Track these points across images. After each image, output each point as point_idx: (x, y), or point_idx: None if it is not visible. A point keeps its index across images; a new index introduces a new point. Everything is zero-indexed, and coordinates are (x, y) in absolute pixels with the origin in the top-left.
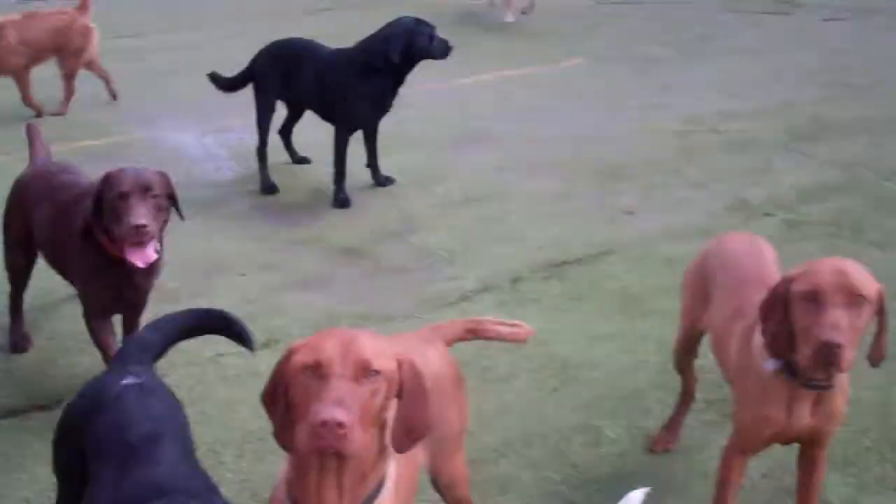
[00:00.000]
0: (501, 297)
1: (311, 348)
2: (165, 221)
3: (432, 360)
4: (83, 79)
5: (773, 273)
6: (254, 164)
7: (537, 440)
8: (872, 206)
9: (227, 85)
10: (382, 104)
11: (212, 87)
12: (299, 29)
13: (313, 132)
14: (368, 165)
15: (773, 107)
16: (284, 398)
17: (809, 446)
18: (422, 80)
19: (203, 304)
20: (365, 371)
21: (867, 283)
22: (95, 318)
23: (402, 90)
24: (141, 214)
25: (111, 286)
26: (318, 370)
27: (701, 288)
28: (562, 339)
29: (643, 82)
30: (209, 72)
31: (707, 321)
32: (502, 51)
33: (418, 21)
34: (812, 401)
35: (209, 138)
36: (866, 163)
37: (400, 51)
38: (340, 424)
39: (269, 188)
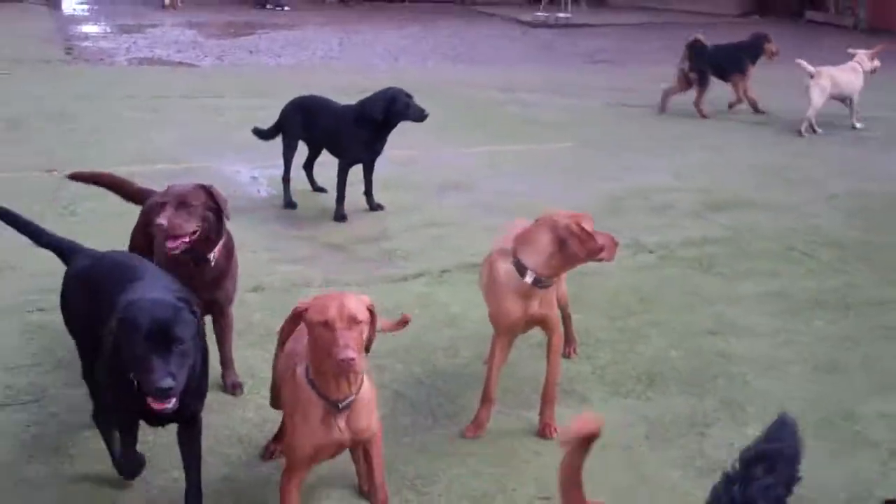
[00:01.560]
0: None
1: (319, 310)
2: (206, 227)
3: None
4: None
5: None
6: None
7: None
8: None
9: (266, 135)
10: (373, 147)
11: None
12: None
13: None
14: (364, 193)
15: None
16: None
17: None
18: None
19: None
20: (355, 322)
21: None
22: None
23: (396, 153)
24: (165, 217)
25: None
26: (327, 325)
27: None
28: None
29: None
30: (253, 127)
31: None
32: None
33: (399, 91)
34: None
35: (257, 171)
36: None
37: (380, 111)
38: (353, 359)
39: (289, 204)
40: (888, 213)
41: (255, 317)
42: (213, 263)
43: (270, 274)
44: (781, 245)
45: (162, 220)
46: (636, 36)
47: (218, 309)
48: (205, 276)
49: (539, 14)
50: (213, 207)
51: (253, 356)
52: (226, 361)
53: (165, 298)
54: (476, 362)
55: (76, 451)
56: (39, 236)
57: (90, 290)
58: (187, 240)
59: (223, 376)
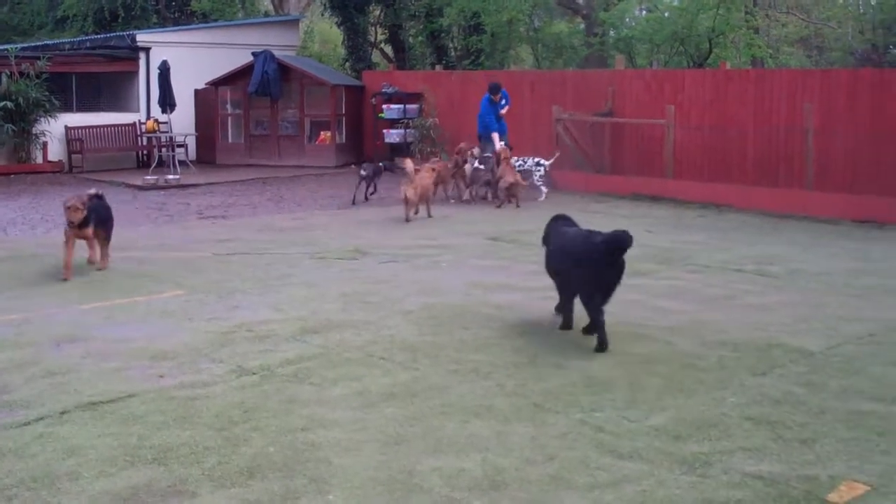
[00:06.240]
0: (80, 414)
1: None
2: None
3: None
4: None
5: None
6: None
7: None
8: None
9: None
10: None
11: None
12: None
13: None
14: None
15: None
16: None
17: None
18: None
19: None
20: None
21: None
22: None
23: (8, 317)
24: None
25: None
26: None
27: None
28: None
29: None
30: None
31: None
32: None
33: None
34: None
35: None
36: None
37: None
38: None
39: None
40: (451, 319)
41: None
42: None
43: None
44: (363, 354)
45: None
46: (243, 191)
47: None
48: None
49: (149, 178)
50: None
51: None
52: None
53: None
54: (100, 480)
55: None
56: None
57: None
58: None
59: None
